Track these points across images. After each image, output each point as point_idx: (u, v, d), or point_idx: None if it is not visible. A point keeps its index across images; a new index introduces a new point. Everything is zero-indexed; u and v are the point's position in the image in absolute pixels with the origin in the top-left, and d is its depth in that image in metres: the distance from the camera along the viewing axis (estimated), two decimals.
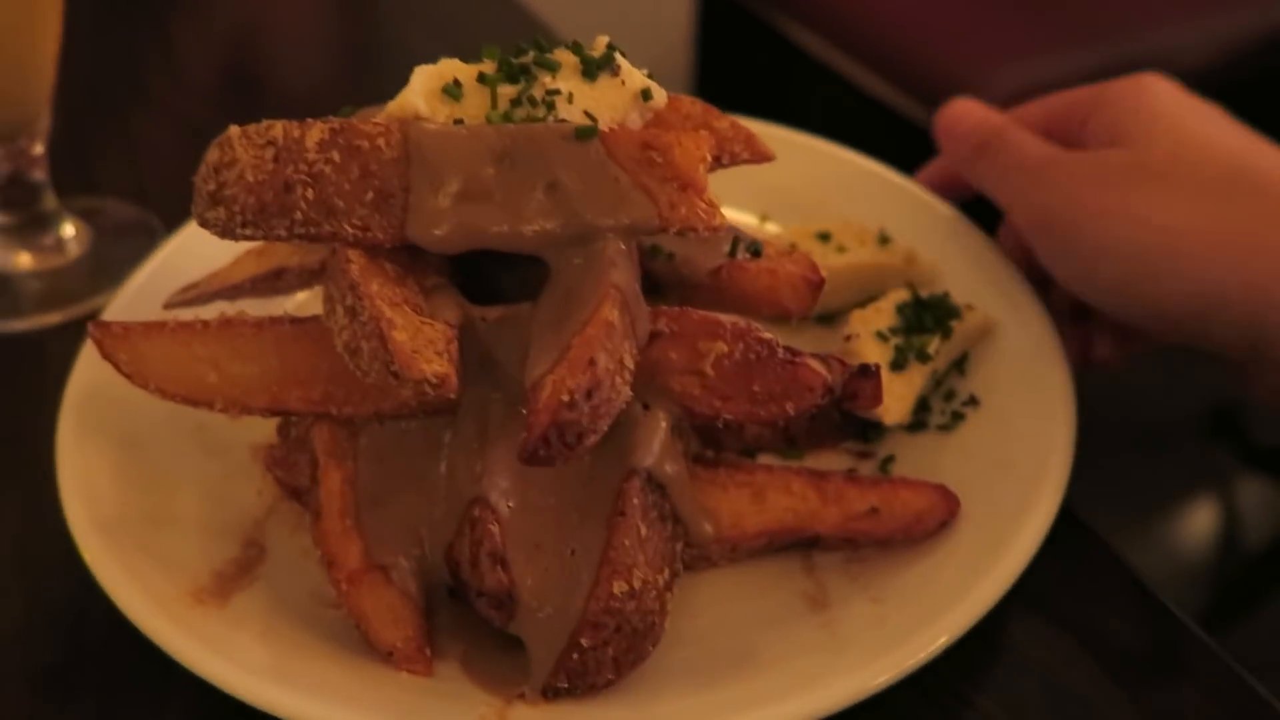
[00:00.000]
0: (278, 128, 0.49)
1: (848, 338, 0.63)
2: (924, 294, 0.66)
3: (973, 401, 0.64)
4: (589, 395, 0.42)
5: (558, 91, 0.51)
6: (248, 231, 0.49)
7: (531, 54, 0.52)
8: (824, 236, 0.71)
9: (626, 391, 0.45)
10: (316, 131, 0.49)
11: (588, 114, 0.51)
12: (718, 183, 0.75)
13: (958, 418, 0.63)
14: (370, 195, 0.48)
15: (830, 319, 0.69)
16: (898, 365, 0.61)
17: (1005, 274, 0.68)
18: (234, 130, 0.50)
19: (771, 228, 0.77)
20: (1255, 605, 0.63)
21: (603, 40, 0.53)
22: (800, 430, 0.62)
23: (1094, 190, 0.60)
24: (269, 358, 0.51)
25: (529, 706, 0.46)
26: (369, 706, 0.45)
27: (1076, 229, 0.60)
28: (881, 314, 0.64)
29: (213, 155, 0.50)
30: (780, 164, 0.78)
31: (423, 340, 0.45)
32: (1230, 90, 1.85)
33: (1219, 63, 1.94)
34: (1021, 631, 0.56)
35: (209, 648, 0.47)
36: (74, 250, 0.79)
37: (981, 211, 0.73)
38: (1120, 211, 0.59)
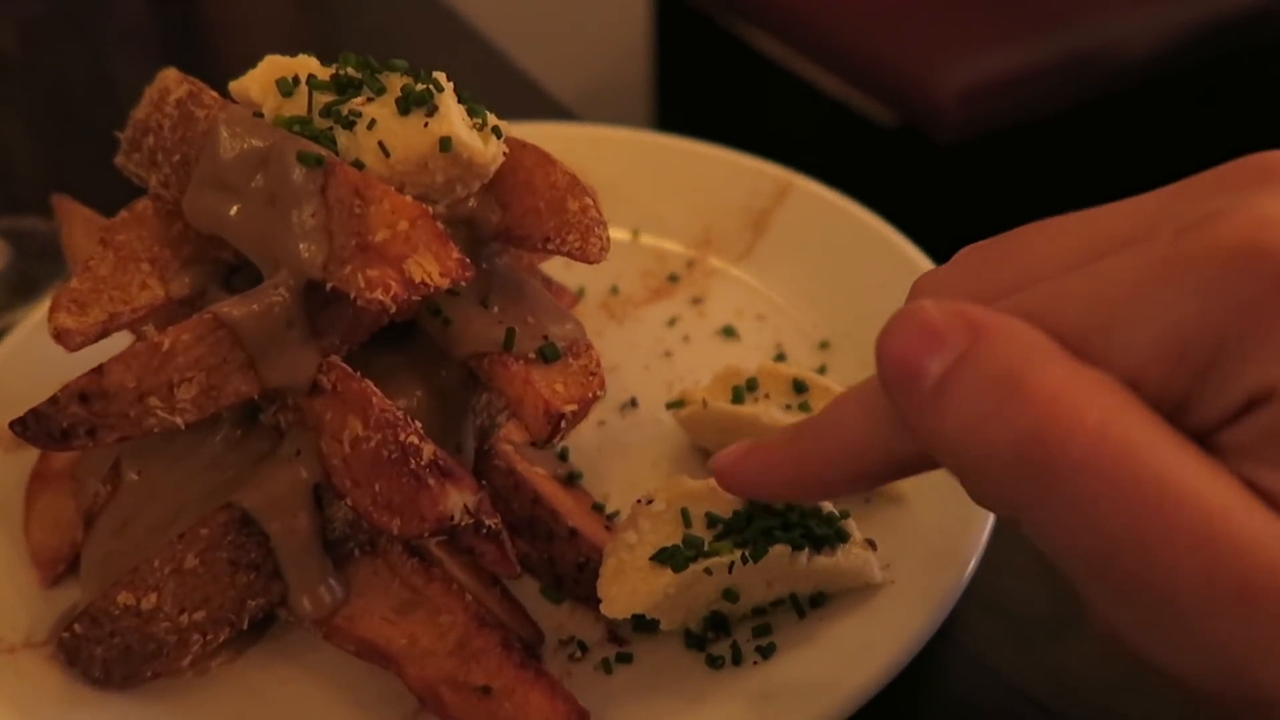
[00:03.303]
0: (173, 77, 0.54)
1: (640, 501, 0.51)
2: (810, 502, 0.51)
3: (767, 652, 0.49)
4: (81, 399, 0.42)
5: (359, 114, 0.48)
6: (121, 159, 0.55)
7: (366, 70, 0.50)
8: (799, 386, 0.58)
9: (167, 419, 0.43)
10: (181, 90, 0.52)
11: (381, 145, 0.48)
12: (809, 283, 0.67)
13: (734, 660, 0.49)
14: (177, 158, 0.51)
15: None
16: (659, 559, 0.48)
17: (959, 557, 0.50)
18: (163, 70, 0.56)
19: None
20: None
21: (437, 74, 0.49)
22: (567, 575, 0.53)
23: None
24: None
25: (45, 654, 0.48)
26: None
27: None
28: (718, 496, 0.51)
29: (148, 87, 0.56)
30: (884, 288, 0.67)
31: (108, 296, 0.48)
32: (1177, 80, 1.87)
33: (1166, 52, 1.86)
34: None
35: None
36: None
37: None
38: None
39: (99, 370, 0.42)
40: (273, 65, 0.51)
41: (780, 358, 0.67)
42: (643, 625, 0.51)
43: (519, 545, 0.53)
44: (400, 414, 0.45)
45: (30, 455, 0.59)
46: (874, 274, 0.68)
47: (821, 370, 0.64)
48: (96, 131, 1.01)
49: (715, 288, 0.72)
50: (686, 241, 0.75)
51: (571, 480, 0.59)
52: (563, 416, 0.47)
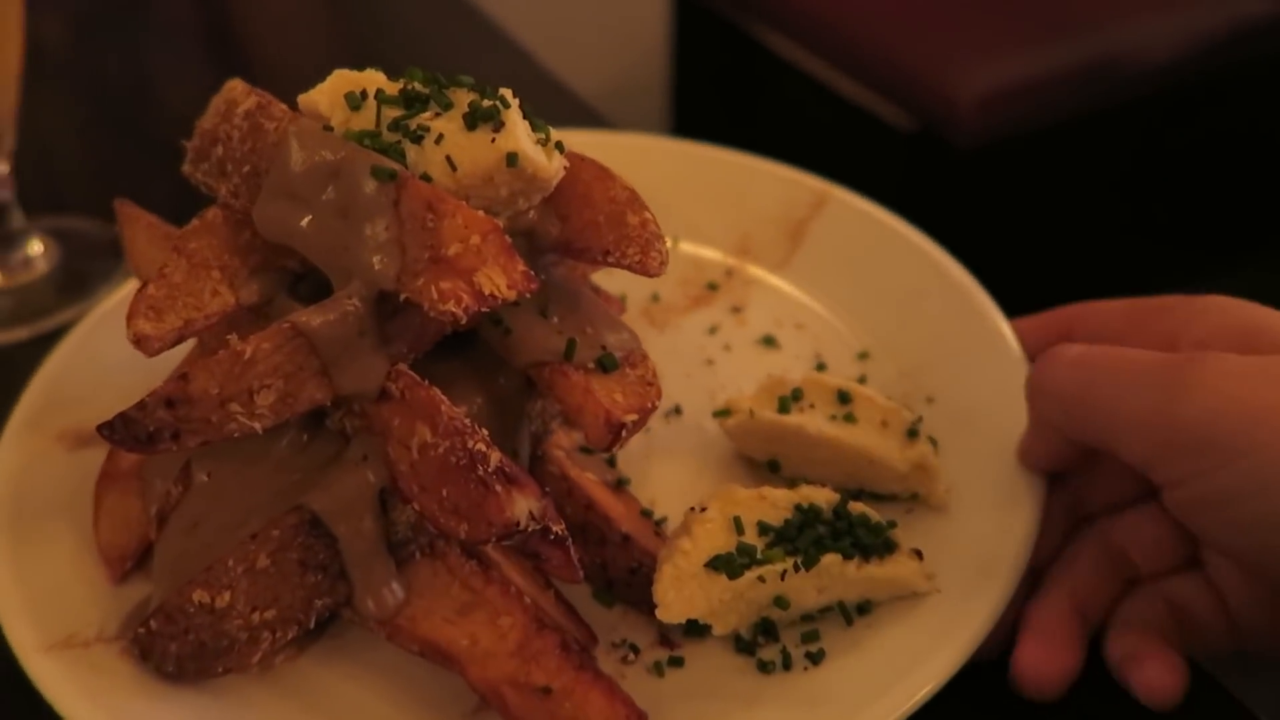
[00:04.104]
0: (239, 89, 0.55)
1: (692, 509, 0.53)
2: (858, 509, 0.53)
3: (816, 658, 0.50)
4: (167, 404, 0.43)
5: (428, 129, 0.50)
6: (189, 168, 0.56)
7: (434, 86, 0.51)
8: (843, 397, 0.59)
9: (249, 424, 0.45)
10: (249, 101, 0.54)
11: (449, 160, 0.49)
12: (847, 293, 0.70)
13: (784, 665, 0.50)
14: (247, 169, 0.52)
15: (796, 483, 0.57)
16: (715, 566, 0.50)
17: (1006, 562, 0.51)
18: (229, 82, 0.57)
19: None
20: None
21: (504, 91, 0.50)
22: (619, 578, 0.54)
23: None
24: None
25: (118, 651, 0.49)
26: (17, 567, 0.52)
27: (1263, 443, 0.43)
28: (767, 503, 0.52)
29: (214, 97, 0.58)
30: (923, 300, 0.68)
31: (182, 303, 0.49)
32: (1194, 86, 1.87)
33: (1183, 59, 1.86)
34: None
35: None
36: (42, 267, 0.81)
37: None
38: None
39: (184, 377, 0.44)
40: (341, 79, 0.53)
41: (820, 367, 0.68)
42: (694, 629, 0.52)
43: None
44: (468, 421, 0.46)
45: (91, 455, 0.60)
46: (911, 284, 0.70)
47: (861, 380, 0.66)
48: (139, 130, 1.03)
49: (754, 296, 0.74)
50: (725, 250, 0.77)
51: (620, 485, 0.60)
52: (624, 426, 0.48)
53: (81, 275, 0.81)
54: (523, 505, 0.45)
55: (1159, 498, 0.49)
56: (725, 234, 0.77)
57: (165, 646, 0.48)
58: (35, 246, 0.82)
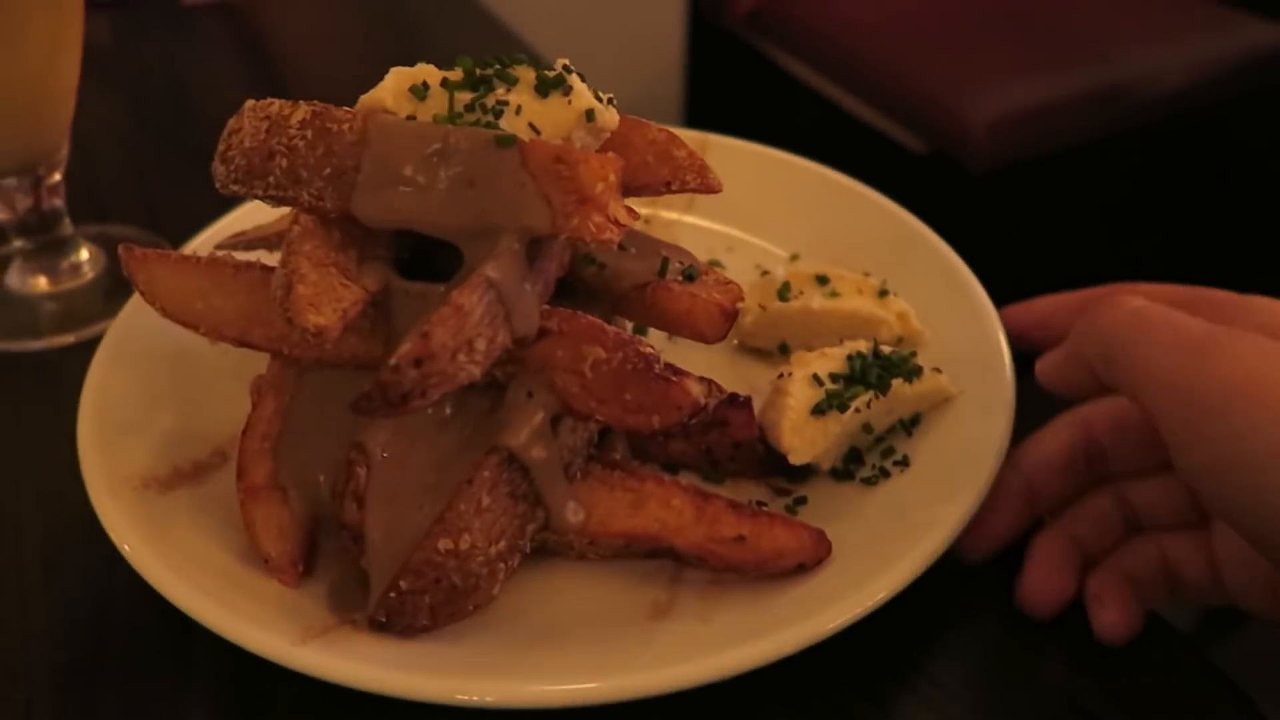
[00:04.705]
0: (276, 105, 0.58)
1: (780, 375, 0.64)
2: (886, 349, 0.66)
3: (904, 463, 0.63)
4: (417, 364, 0.48)
5: (507, 103, 0.57)
6: (236, 188, 0.58)
7: (494, 67, 0.58)
8: (821, 279, 0.72)
9: (472, 371, 0.50)
10: (301, 112, 0.57)
11: (531, 126, 0.57)
12: (754, 217, 0.81)
13: (883, 474, 0.63)
14: (328, 170, 0.56)
15: None
16: (819, 410, 0.61)
17: (995, 354, 0.67)
18: (248, 103, 0.59)
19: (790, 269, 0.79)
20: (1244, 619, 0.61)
21: (561, 62, 0.58)
22: (724, 456, 0.64)
23: None
24: (240, 296, 0.59)
25: (349, 629, 0.52)
26: (216, 595, 0.52)
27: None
28: (828, 359, 0.65)
29: (231, 122, 0.59)
30: (820, 206, 0.82)
31: (327, 296, 0.52)
32: (1204, 114, 1.91)
33: (1194, 85, 1.86)
34: (983, 609, 0.60)
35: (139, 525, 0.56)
36: (89, 273, 0.84)
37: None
38: None
39: (425, 335, 0.48)
40: (399, 76, 0.58)
41: (765, 274, 0.81)
42: (798, 475, 0.63)
43: (673, 446, 0.64)
44: (628, 334, 0.54)
45: (183, 494, 0.60)
46: (802, 195, 0.85)
47: None
48: (175, 141, 1.02)
49: (679, 234, 0.85)
50: (635, 204, 0.87)
51: None
52: (736, 313, 0.58)
53: (127, 282, 0.77)
54: (697, 387, 0.54)
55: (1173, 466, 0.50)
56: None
57: (418, 601, 0.51)
58: (83, 253, 0.84)
